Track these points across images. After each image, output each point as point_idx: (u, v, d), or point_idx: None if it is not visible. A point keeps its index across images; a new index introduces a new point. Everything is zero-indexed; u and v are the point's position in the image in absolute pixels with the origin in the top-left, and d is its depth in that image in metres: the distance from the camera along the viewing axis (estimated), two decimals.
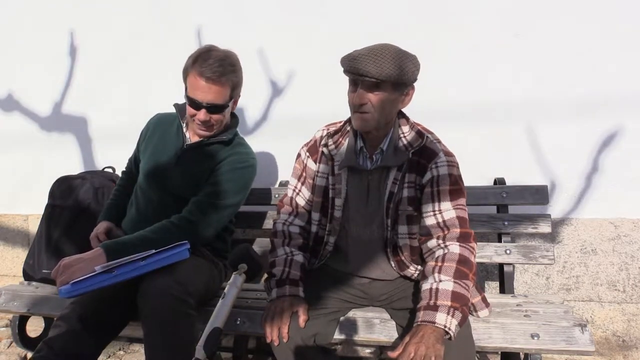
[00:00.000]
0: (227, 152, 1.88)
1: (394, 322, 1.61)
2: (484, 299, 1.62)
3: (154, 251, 1.58)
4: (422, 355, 1.27)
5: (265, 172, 2.67)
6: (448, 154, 1.56)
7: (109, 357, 2.44)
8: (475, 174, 2.39)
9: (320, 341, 1.53)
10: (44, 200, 2.21)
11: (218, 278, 1.91)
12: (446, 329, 1.33)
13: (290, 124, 2.63)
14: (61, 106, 3.03)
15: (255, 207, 2.46)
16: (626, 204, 2.32)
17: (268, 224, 2.35)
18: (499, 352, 2.04)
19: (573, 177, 2.35)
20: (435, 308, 1.36)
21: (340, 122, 1.69)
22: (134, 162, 2.10)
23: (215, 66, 1.75)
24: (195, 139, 1.90)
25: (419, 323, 1.36)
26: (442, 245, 1.49)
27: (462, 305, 1.38)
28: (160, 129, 2.00)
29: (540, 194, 2.12)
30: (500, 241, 2.10)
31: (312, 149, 1.70)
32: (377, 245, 1.62)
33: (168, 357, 1.48)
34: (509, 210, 2.15)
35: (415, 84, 1.53)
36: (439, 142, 1.59)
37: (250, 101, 2.72)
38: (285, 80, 2.67)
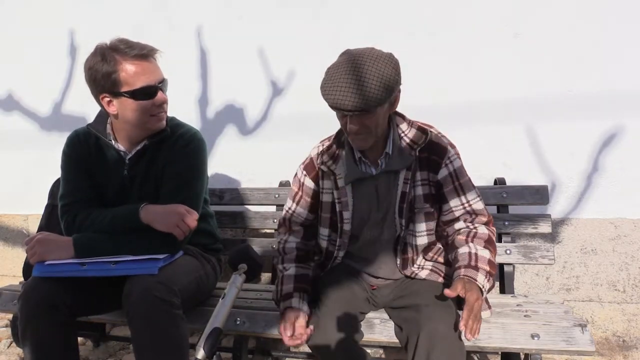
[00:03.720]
0: (169, 140, 1.77)
1: (393, 322, 1.61)
2: (485, 300, 1.61)
3: (128, 258, 1.58)
4: (478, 310, 1.38)
5: (265, 172, 2.67)
6: (453, 145, 1.62)
7: (109, 357, 2.44)
8: (475, 174, 2.37)
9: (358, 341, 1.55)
10: (44, 200, 2.21)
11: (212, 275, 1.88)
12: (483, 289, 1.45)
13: (291, 124, 2.64)
14: (61, 106, 3.03)
15: (255, 207, 2.46)
16: (626, 204, 2.32)
17: (268, 224, 2.35)
18: (499, 352, 2.04)
19: (573, 177, 2.35)
20: (476, 269, 1.47)
21: (332, 135, 1.68)
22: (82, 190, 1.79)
23: (137, 44, 1.62)
24: (133, 148, 1.75)
25: (462, 277, 1.45)
26: (471, 227, 1.58)
27: (493, 275, 1.51)
28: (84, 159, 1.79)
29: (540, 194, 2.11)
30: (500, 241, 2.10)
31: (309, 167, 1.68)
32: (387, 245, 1.63)
33: (155, 358, 1.48)
34: (509, 210, 2.15)
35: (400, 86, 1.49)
36: (442, 135, 1.62)
37: (250, 101, 2.72)
38: (285, 80, 2.67)
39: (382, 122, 1.49)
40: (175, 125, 1.82)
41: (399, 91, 1.50)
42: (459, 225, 1.59)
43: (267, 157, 2.69)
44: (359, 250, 1.67)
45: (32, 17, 3.05)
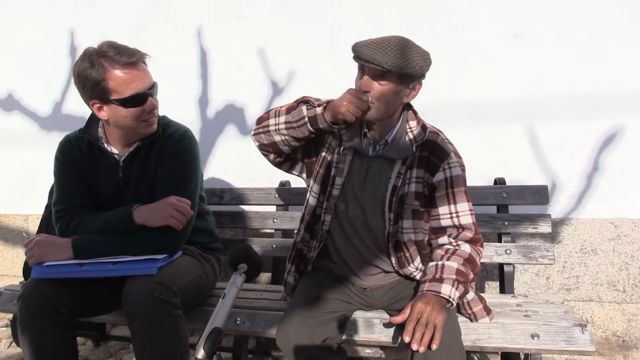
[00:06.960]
0: (160, 140, 1.76)
1: None
2: (485, 308, 1.61)
3: (127, 258, 1.59)
4: (427, 318, 1.36)
5: (265, 172, 2.67)
6: (458, 155, 1.58)
7: (109, 356, 2.44)
8: (475, 174, 2.39)
9: (329, 343, 1.53)
10: (44, 200, 2.21)
11: (212, 274, 1.88)
12: (450, 299, 1.43)
13: None
14: (61, 106, 3.03)
15: (255, 207, 2.46)
16: (626, 204, 2.32)
17: (268, 224, 2.35)
18: (499, 352, 2.04)
19: (573, 177, 2.35)
20: (441, 280, 1.46)
21: None
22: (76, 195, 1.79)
23: (125, 50, 1.60)
24: (126, 150, 1.75)
25: (424, 292, 1.45)
26: (454, 243, 1.55)
27: (464, 282, 1.47)
28: (77, 164, 1.79)
29: (540, 194, 2.11)
30: (500, 241, 2.10)
31: None
32: (377, 241, 1.61)
33: (155, 358, 1.48)
34: (509, 210, 2.15)
35: (423, 80, 1.53)
36: (450, 142, 1.60)
37: (250, 101, 2.72)
38: (285, 80, 2.67)
39: (390, 99, 1.47)
40: (165, 125, 1.81)
41: (420, 85, 1.52)
42: (443, 240, 1.57)
43: None
44: (347, 247, 1.65)
45: (32, 17, 3.05)
